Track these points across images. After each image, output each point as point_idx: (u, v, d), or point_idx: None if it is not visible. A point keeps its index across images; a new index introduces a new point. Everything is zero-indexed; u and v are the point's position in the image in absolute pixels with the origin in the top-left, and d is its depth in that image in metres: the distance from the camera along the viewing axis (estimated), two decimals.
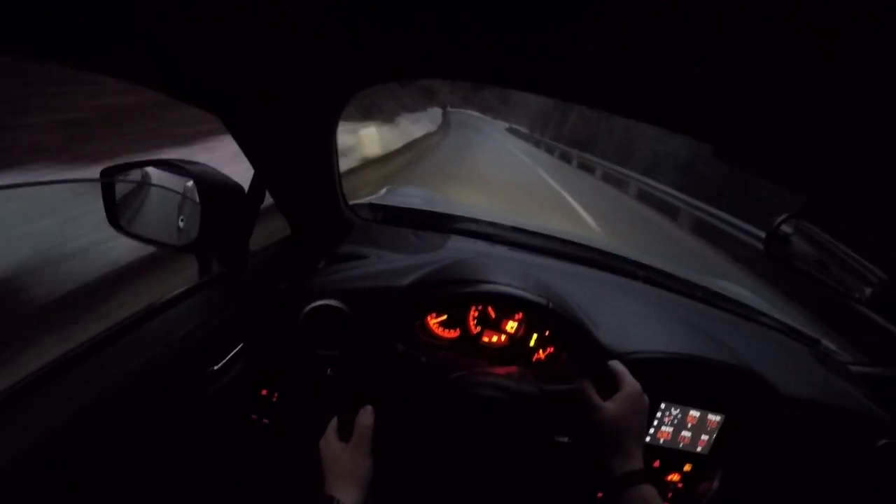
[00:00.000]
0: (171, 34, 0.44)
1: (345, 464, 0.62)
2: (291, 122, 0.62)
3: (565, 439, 0.69)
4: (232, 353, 0.74)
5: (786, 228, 0.81)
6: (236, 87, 0.53)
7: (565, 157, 17.21)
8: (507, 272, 0.78)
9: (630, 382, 0.66)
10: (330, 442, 0.65)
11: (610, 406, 0.64)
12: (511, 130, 34.47)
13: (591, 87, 0.48)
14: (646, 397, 0.67)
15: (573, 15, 0.33)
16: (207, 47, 0.47)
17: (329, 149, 0.74)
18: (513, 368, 0.72)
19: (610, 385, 0.66)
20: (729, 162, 0.70)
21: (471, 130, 22.12)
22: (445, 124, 19.10)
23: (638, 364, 0.80)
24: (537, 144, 22.94)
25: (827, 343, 1.26)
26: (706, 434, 0.88)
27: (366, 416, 0.66)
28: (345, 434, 0.66)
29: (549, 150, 19.67)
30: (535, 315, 0.81)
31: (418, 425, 0.67)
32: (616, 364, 0.68)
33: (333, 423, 0.68)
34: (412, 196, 1.48)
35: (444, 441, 0.66)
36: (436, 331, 0.85)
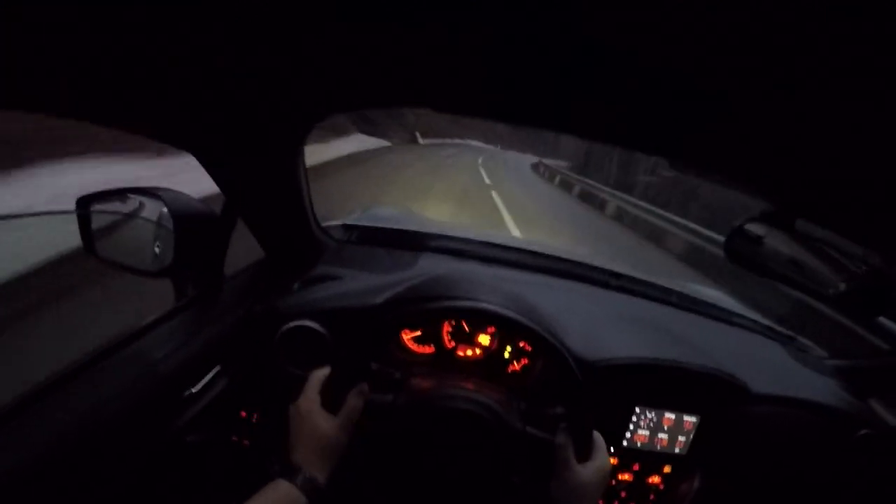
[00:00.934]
0: (137, 75, 0.46)
1: (323, 435, 0.60)
2: (257, 151, 0.63)
3: (517, 481, 0.70)
4: (209, 376, 0.75)
5: (748, 231, 0.83)
6: (202, 118, 0.55)
7: None
8: (477, 287, 0.80)
9: (604, 457, 0.69)
10: (313, 411, 0.62)
11: (583, 471, 0.65)
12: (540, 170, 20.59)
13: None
14: (608, 476, 0.69)
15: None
16: (176, 87, 0.48)
17: (296, 174, 0.75)
18: (500, 392, 0.73)
19: (586, 451, 0.68)
20: (683, 170, 0.72)
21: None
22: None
23: (610, 371, 0.82)
24: None
25: (802, 339, 1.28)
26: (683, 435, 0.90)
27: (358, 398, 0.64)
28: (328, 405, 0.64)
29: None
30: (506, 328, 0.82)
31: (390, 439, 0.68)
32: (598, 436, 0.70)
33: (314, 384, 0.65)
34: (386, 215, 1.50)
35: (408, 453, 0.67)
36: (411, 347, 0.86)
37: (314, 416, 0.62)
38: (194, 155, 0.63)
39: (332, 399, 0.64)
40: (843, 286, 0.88)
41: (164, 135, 0.55)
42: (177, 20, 0.37)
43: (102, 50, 0.39)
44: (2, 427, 0.49)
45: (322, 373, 0.68)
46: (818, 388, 1.04)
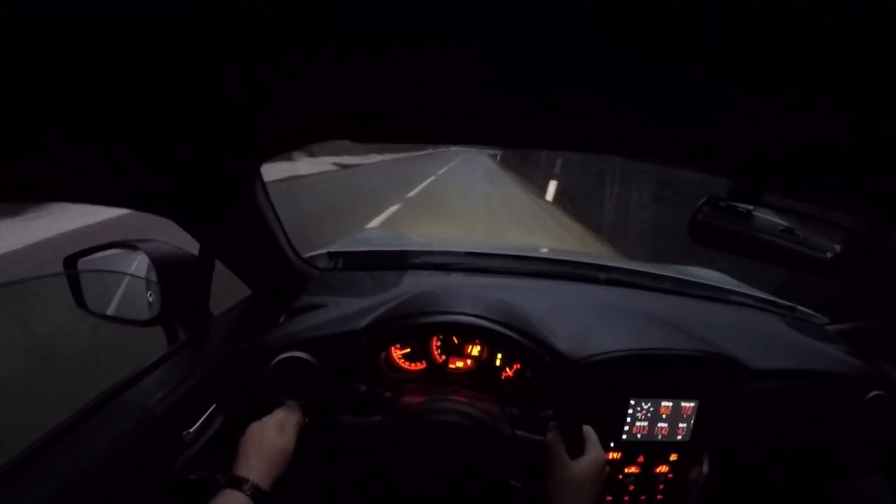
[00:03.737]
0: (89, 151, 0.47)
1: (271, 446, 0.68)
2: (213, 197, 0.66)
3: (518, 485, 0.71)
4: (205, 416, 0.77)
5: (720, 207, 0.83)
6: (153, 179, 0.57)
7: None
8: (457, 299, 0.81)
9: (598, 449, 0.69)
10: (265, 424, 0.71)
11: (577, 467, 0.65)
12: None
13: None
14: (607, 467, 0.69)
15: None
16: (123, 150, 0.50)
17: (259, 211, 0.78)
18: (491, 405, 0.74)
19: (578, 446, 0.68)
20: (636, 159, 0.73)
21: None
22: None
23: (598, 366, 0.82)
24: None
25: (802, 309, 1.27)
26: (683, 422, 0.90)
27: (292, 410, 0.75)
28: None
29: None
30: (490, 337, 0.83)
31: (384, 457, 0.69)
32: (589, 429, 0.70)
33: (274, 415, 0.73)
34: (371, 239, 1.51)
35: (401, 470, 0.68)
36: (402, 365, 0.87)
37: (264, 429, 0.71)
38: (157, 213, 0.65)
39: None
40: (838, 248, 0.88)
41: (121, 201, 0.57)
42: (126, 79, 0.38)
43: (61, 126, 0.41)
44: (6, 483, 0.50)
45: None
46: (821, 355, 1.04)
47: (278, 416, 0.74)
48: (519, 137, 0.57)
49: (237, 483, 0.62)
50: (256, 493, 0.61)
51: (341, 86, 0.43)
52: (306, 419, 0.74)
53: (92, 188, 0.52)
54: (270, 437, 0.70)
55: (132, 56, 0.34)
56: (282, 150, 0.60)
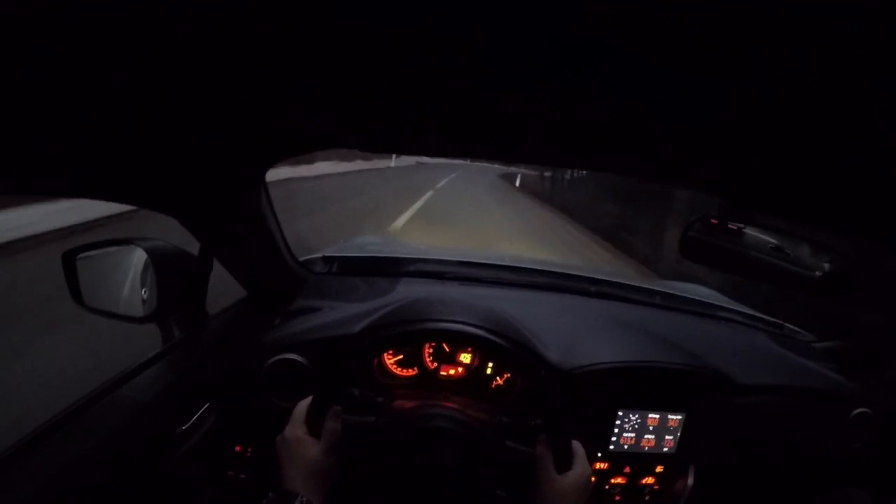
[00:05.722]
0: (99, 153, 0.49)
1: (314, 461, 0.63)
2: (217, 200, 0.67)
3: (504, 494, 0.72)
4: (198, 414, 0.77)
5: (711, 225, 0.85)
6: (163, 175, 0.58)
7: None
8: (451, 308, 0.82)
9: (584, 465, 0.69)
10: (301, 439, 0.65)
11: (564, 481, 0.66)
12: None
13: None
14: (591, 482, 0.70)
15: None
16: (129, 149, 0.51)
17: (261, 215, 0.79)
18: (481, 413, 0.75)
19: (566, 460, 0.69)
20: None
21: None
22: None
23: (587, 377, 0.84)
24: None
25: (790, 326, 1.29)
26: (669, 434, 0.91)
27: (335, 420, 0.67)
28: (314, 432, 0.66)
29: None
30: (482, 346, 0.84)
31: (373, 459, 0.69)
32: (577, 444, 0.71)
33: (299, 413, 0.68)
34: (366, 244, 1.52)
35: (391, 473, 0.69)
36: (394, 370, 0.88)
37: (301, 444, 0.65)
38: (162, 211, 0.66)
39: (316, 426, 0.67)
40: (827, 267, 0.90)
41: (124, 198, 0.59)
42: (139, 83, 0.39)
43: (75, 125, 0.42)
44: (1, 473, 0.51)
45: (306, 402, 0.70)
46: (807, 372, 1.05)
47: (327, 435, 0.66)
48: (517, 148, 0.58)
49: (287, 499, 0.59)
50: None
51: (344, 90, 0.44)
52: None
53: (103, 185, 0.54)
54: (311, 451, 0.64)
55: (141, 60, 0.35)
56: (287, 155, 0.61)
